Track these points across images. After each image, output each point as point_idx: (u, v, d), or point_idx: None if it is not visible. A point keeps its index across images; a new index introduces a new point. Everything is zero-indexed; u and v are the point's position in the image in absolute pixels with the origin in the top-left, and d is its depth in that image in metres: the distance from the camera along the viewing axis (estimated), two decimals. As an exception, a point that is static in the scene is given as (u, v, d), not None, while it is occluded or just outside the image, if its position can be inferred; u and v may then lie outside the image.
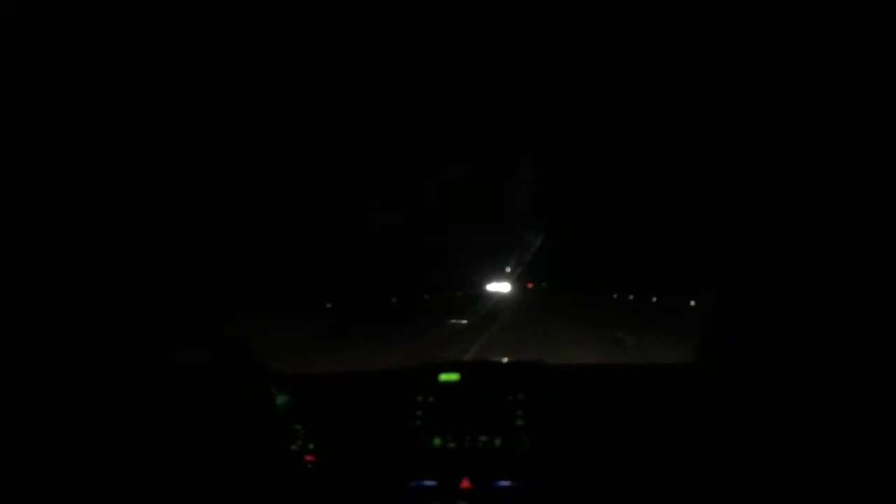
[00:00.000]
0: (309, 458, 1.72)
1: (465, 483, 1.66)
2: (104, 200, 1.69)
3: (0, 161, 1.26)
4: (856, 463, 1.25)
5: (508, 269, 36.55)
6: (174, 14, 1.78)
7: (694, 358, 1.91)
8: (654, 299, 20.88)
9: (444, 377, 1.84)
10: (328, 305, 13.81)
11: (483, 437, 1.74)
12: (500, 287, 33.92)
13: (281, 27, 2.11)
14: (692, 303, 15.03)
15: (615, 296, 26.79)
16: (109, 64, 1.77)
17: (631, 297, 24.79)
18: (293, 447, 1.73)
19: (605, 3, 2.08)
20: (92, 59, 1.70)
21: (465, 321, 14.03)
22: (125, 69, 1.84)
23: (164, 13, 1.74)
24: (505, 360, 2.03)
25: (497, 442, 1.74)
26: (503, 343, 9.75)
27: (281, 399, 1.77)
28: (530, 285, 44.63)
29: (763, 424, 1.46)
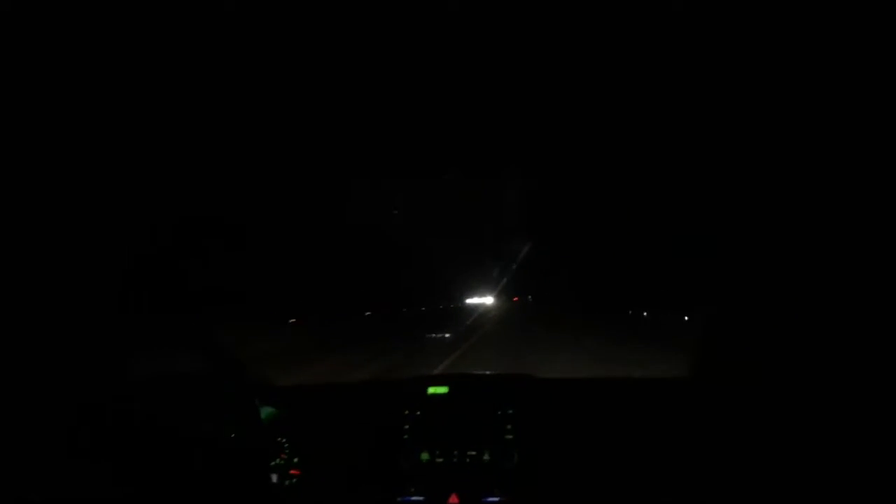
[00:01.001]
0: (293, 471, 1.68)
1: (454, 498, 1.64)
2: (104, 202, 1.65)
3: (2, 162, 1.24)
4: (856, 466, 1.26)
5: (492, 282, 36.56)
6: (174, 14, 1.76)
7: (690, 366, 1.91)
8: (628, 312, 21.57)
9: (432, 390, 1.82)
10: (292, 320, 13.21)
11: (471, 452, 1.72)
12: (482, 300, 33.78)
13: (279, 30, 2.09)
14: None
15: (597, 309, 27.09)
16: (111, 65, 1.74)
17: (614, 312, 25.35)
18: (277, 461, 1.69)
19: (598, 13, 2.10)
20: (93, 59, 1.67)
21: (447, 335, 13.85)
22: (127, 70, 1.81)
23: (164, 13, 1.72)
24: (493, 373, 2.01)
25: (486, 456, 1.72)
26: (480, 357, 9.66)
27: (265, 411, 1.73)
28: (515, 298, 44.51)
29: (757, 436, 1.45)
